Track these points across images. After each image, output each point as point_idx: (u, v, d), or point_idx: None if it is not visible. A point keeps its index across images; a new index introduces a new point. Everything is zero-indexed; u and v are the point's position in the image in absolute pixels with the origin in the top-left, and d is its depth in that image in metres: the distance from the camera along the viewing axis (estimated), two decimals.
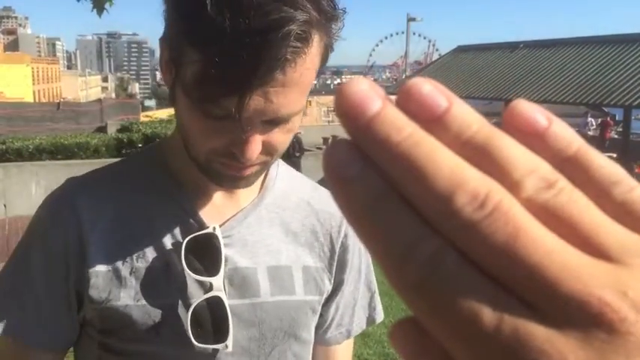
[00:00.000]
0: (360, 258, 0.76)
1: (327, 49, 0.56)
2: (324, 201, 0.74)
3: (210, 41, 0.50)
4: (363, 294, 0.77)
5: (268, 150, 0.58)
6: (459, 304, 0.13)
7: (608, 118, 13.00)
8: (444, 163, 0.13)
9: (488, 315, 0.13)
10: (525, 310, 0.13)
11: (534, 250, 0.13)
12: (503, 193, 0.13)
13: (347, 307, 0.75)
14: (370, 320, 0.78)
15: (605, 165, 0.15)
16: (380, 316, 0.79)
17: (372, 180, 0.14)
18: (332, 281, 0.72)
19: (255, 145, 0.55)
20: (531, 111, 0.15)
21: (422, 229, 0.13)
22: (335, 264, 0.72)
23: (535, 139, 0.15)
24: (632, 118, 12.45)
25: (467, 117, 0.14)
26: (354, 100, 0.14)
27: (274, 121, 0.56)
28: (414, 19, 20.80)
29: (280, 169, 0.73)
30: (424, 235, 0.13)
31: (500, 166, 0.14)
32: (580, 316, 0.12)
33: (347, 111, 0.14)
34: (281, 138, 0.58)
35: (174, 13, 0.55)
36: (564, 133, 0.15)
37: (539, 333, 0.12)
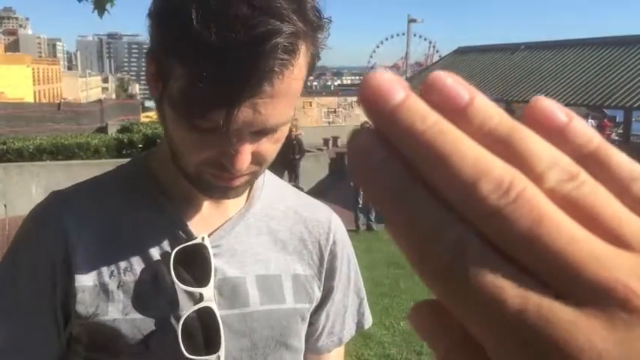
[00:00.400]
0: (349, 265, 0.76)
1: (313, 59, 0.57)
2: (312, 209, 0.74)
3: (197, 56, 0.50)
4: (353, 301, 0.77)
5: (257, 160, 0.58)
6: (484, 286, 0.13)
7: (606, 120, 13.00)
8: (468, 151, 0.14)
9: (512, 296, 0.13)
10: (549, 292, 0.13)
11: (558, 236, 0.13)
12: (526, 181, 0.14)
13: (337, 315, 0.75)
14: (359, 326, 0.79)
15: (624, 162, 0.15)
16: (368, 321, 0.80)
17: (396, 167, 0.14)
18: (321, 289, 0.72)
19: (244, 156, 0.56)
20: (552, 107, 0.15)
21: (446, 215, 0.14)
22: (324, 271, 0.72)
23: (555, 135, 0.15)
24: (633, 119, 12.44)
25: (489, 109, 0.15)
26: (379, 89, 0.15)
27: (263, 132, 0.56)
28: (414, 21, 20.80)
29: (267, 177, 0.72)
30: (448, 220, 0.14)
31: (522, 158, 0.14)
32: (605, 301, 0.13)
33: (372, 99, 0.15)
34: (270, 148, 0.59)
35: (160, 29, 0.55)
36: (584, 130, 0.15)
37: (563, 314, 0.13)
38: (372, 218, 6.95)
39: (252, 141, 0.56)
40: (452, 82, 0.15)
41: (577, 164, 0.14)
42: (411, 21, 20.76)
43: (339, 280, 0.74)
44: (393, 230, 0.15)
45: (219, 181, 0.59)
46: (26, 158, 8.64)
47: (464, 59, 15.25)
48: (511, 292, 0.13)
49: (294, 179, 7.94)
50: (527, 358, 0.13)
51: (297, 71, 0.53)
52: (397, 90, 0.15)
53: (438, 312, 0.15)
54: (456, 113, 0.15)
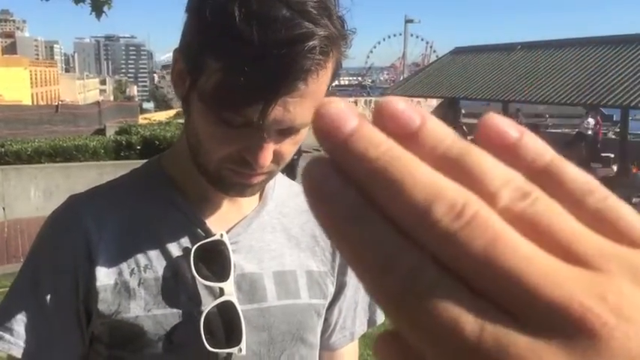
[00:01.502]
0: None
1: (337, 65, 0.60)
2: None
3: (238, 52, 0.52)
4: (364, 296, 0.79)
5: (277, 159, 0.61)
6: (439, 315, 0.13)
7: (598, 118, 12.99)
8: (421, 175, 0.14)
9: (469, 325, 0.13)
10: (507, 319, 0.13)
11: (513, 256, 0.13)
12: (480, 203, 0.14)
13: (349, 310, 0.77)
14: (371, 322, 0.80)
15: (578, 175, 0.15)
16: (380, 318, 0.81)
17: (350, 195, 0.14)
18: (334, 284, 0.74)
19: (268, 152, 0.58)
20: (502, 124, 0.15)
21: (401, 242, 0.14)
22: (336, 267, 0.74)
23: (507, 152, 0.15)
24: (630, 118, 12.47)
25: (440, 132, 0.15)
26: (331, 119, 0.15)
27: (288, 131, 0.58)
28: (411, 21, 20.86)
29: (277, 177, 0.74)
30: (404, 247, 0.14)
31: (475, 178, 0.14)
32: (561, 322, 0.12)
33: (324, 130, 0.15)
34: (289, 148, 0.61)
35: (201, 25, 0.56)
36: (536, 145, 0.15)
37: (521, 342, 0.12)
38: None
39: (276, 140, 0.58)
40: (402, 107, 0.15)
41: (531, 181, 0.14)
42: (408, 21, 20.81)
43: (350, 276, 0.75)
44: (348, 259, 0.14)
45: (238, 177, 0.61)
46: (24, 161, 8.61)
47: (461, 59, 15.27)
48: (467, 320, 0.13)
49: (292, 178, 7.96)
50: None
51: (326, 74, 0.57)
52: (350, 118, 0.15)
53: (402, 343, 0.15)
54: (408, 138, 0.15)
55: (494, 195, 0.14)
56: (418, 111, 0.15)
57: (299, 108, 0.56)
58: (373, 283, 0.14)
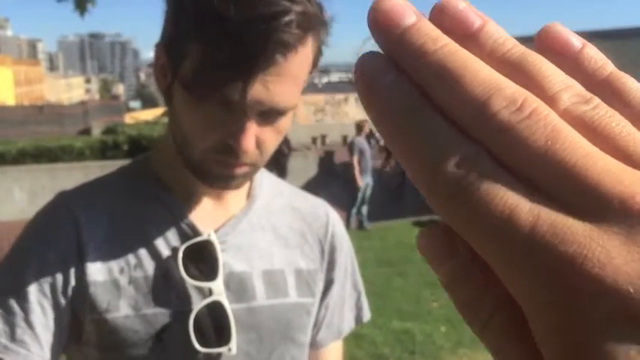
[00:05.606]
0: (346, 258, 0.77)
1: (317, 53, 0.60)
2: (308, 204, 0.76)
3: (216, 30, 0.53)
4: (350, 294, 0.79)
5: (260, 147, 0.60)
6: (494, 203, 0.13)
7: None
8: (480, 70, 0.14)
9: (524, 212, 0.12)
10: (563, 208, 0.13)
11: (574, 151, 0.13)
12: (540, 101, 0.13)
13: (336, 307, 0.76)
14: (358, 320, 0.80)
15: (638, 88, 0.15)
16: (367, 316, 0.81)
17: (405, 88, 0.14)
18: (323, 281, 0.74)
19: (250, 135, 0.57)
20: (566, 33, 0.15)
21: (457, 135, 0.14)
22: (325, 264, 0.74)
23: (568, 61, 0.15)
24: None
25: (501, 35, 0.15)
26: (388, 12, 0.14)
27: (268, 114, 0.58)
28: None
29: (264, 175, 0.75)
30: (459, 140, 0.13)
31: (535, 81, 0.14)
32: (622, 214, 0.12)
33: (382, 23, 0.14)
34: (272, 137, 0.61)
35: (181, 12, 0.58)
36: (598, 56, 0.15)
37: (579, 229, 0.12)
38: (364, 214, 6.93)
39: (258, 122, 0.58)
40: (464, 7, 0.15)
41: (590, 91, 0.14)
42: None
43: (337, 272, 0.75)
44: (401, 153, 0.14)
45: (222, 168, 0.61)
46: (8, 162, 8.45)
47: None
48: (523, 208, 0.12)
49: (283, 177, 7.91)
50: (540, 277, 0.12)
51: (305, 54, 0.57)
52: (408, 14, 0.14)
53: (445, 234, 0.15)
54: (468, 38, 0.14)
55: (555, 97, 0.14)
56: (479, 13, 0.15)
57: (278, 86, 0.56)
58: (427, 177, 0.14)
